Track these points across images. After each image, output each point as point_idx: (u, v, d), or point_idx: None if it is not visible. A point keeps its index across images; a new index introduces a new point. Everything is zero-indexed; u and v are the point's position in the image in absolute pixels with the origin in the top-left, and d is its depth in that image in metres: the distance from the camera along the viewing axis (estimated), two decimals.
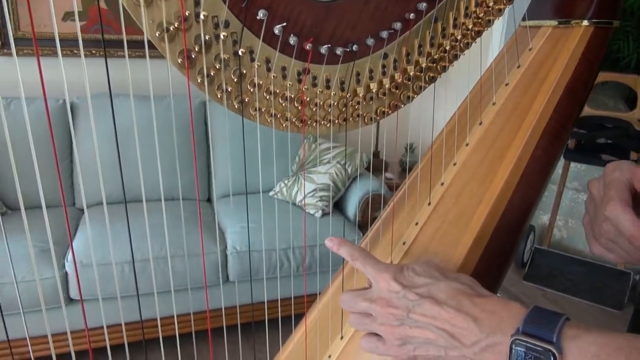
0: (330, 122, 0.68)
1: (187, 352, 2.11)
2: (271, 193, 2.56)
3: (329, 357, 0.69)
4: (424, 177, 0.75)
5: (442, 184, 0.73)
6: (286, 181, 2.46)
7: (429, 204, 0.71)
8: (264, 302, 2.20)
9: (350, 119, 0.71)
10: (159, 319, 2.13)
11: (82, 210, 2.38)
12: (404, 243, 0.68)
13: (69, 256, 1.88)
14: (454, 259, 0.59)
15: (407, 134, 3.32)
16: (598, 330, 0.40)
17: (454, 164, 0.73)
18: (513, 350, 0.41)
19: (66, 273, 1.86)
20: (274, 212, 2.31)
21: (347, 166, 2.36)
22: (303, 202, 2.34)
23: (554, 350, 0.39)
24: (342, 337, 0.67)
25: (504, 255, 0.65)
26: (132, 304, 1.98)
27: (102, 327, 1.99)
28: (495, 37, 2.62)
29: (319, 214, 2.30)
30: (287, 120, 0.67)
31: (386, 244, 0.70)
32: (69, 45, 2.48)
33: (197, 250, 2.02)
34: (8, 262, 1.76)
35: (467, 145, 0.75)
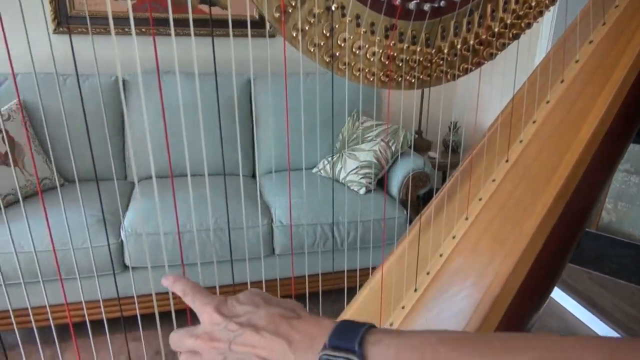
0: (415, 78, 0.68)
1: None
2: (314, 170, 2.58)
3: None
4: (503, 133, 0.72)
5: (521, 141, 0.70)
6: (329, 158, 2.48)
7: (507, 160, 0.70)
8: (305, 276, 2.25)
9: (434, 75, 0.70)
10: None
11: (133, 183, 2.48)
12: (480, 199, 0.68)
13: (124, 225, 1.97)
14: (532, 217, 0.59)
15: (451, 112, 3.26)
16: (399, 332, 0.41)
17: (534, 122, 0.71)
18: None
19: (121, 241, 1.96)
20: (318, 189, 2.34)
21: (391, 144, 2.35)
22: (346, 179, 2.35)
23: (355, 358, 0.39)
24: (403, 307, 0.69)
25: (581, 217, 0.64)
26: (177, 273, 2.06)
27: (150, 295, 2.09)
28: (545, 26, 2.51)
29: (362, 191, 2.31)
30: (373, 75, 0.67)
31: (462, 198, 0.70)
32: (121, 23, 2.55)
33: (243, 223, 2.07)
34: (66, 230, 1.86)
35: (547, 102, 0.72)
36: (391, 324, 0.69)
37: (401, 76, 0.67)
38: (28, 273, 1.84)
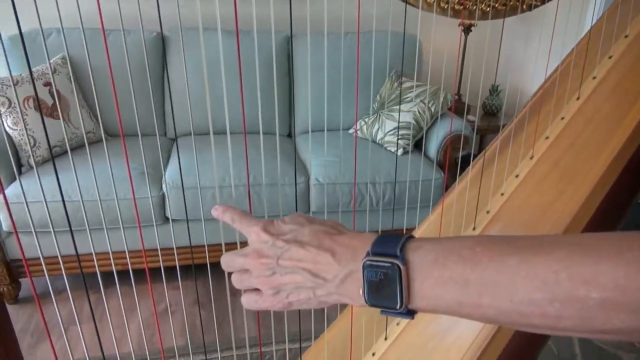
0: (490, 7, 0.65)
1: None
2: (351, 130, 2.57)
3: None
4: (576, 70, 0.70)
5: (594, 77, 0.68)
6: (367, 119, 2.46)
7: (578, 98, 0.68)
8: None
9: (510, 3, 0.67)
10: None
11: (172, 139, 2.52)
12: (547, 137, 0.67)
13: (165, 179, 2.02)
14: (604, 156, 0.58)
15: (492, 75, 3.17)
16: (438, 239, 0.43)
17: (610, 57, 0.68)
18: (365, 273, 0.43)
19: (162, 194, 2.01)
20: (355, 149, 2.34)
21: (430, 105, 2.31)
22: (383, 140, 2.34)
23: (398, 263, 0.41)
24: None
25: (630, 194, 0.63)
26: (214, 227, 2.11)
27: (188, 247, 2.15)
28: None
29: (399, 152, 2.29)
30: (447, 4, 0.65)
31: (528, 137, 0.69)
32: None
33: (280, 181, 2.10)
34: (110, 182, 1.92)
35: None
36: None
37: (475, 4, 0.65)
38: (75, 222, 1.92)
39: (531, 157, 0.66)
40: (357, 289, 0.44)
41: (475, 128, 2.67)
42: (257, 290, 0.52)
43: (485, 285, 0.38)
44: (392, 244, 0.43)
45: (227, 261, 0.53)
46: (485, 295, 0.38)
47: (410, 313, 0.43)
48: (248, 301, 0.53)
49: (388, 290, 0.42)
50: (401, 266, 0.41)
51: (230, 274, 0.54)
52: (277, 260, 0.48)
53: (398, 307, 0.42)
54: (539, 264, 0.36)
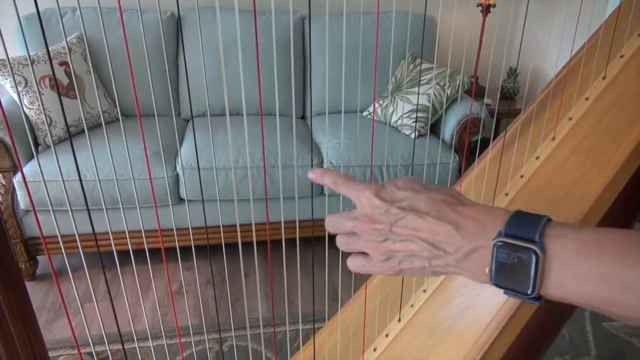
0: None
1: (275, 258, 2.25)
2: (365, 113, 2.55)
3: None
4: (602, 49, 0.68)
5: (622, 56, 0.66)
6: (382, 101, 2.44)
7: (604, 78, 0.66)
8: None
9: None
10: (253, 225, 2.27)
11: (186, 120, 2.53)
12: (570, 118, 0.66)
13: (180, 159, 2.03)
14: (630, 137, 0.57)
15: (510, 57, 3.12)
16: (579, 227, 0.40)
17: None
18: (495, 253, 0.41)
19: (177, 175, 2.02)
20: (369, 131, 2.32)
21: (446, 88, 2.28)
22: (398, 122, 2.31)
23: (536, 249, 0.39)
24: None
25: None
26: (229, 208, 2.12)
27: (203, 227, 2.17)
28: None
29: (414, 134, 2.27)
30: None
31: (550, 118, 0.68)
32: None
33: (294, 162, 2.09)
34: (125, 161, 1.93)
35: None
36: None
37: None
38: (90, 200, 1.94)
39: (553, 139, 0.65)
40: (482, 267, 0.43)
41: (494, 111, 2.63)
42: (364, 254, 0.51)
43: (632, 287, 0.36)
44: (530, 228, 0.40)
45: (334, 223, 0.51)
46: (630, 296, 0.36)
47: (539, 299, 0.41)
48: (355, 265, 0.52)
49: (520, 275, 0.40)
50: (540, 253, 0.39)
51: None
52: (391, 227, 0.47)
53: (529, 292, 0.40)
54: None
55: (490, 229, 0.42)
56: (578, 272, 0.38)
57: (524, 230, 0.40)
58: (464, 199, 0.48)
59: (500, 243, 0.41)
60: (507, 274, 0.41)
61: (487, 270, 0.42)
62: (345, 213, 0.51)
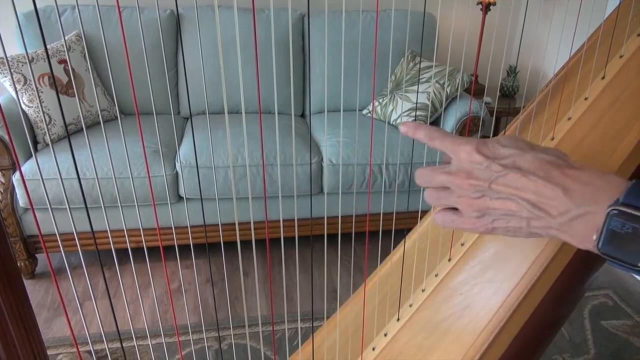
0: None
1: (274, 257, 2.25)
2: (365, 111, 2.55)
3: (436, 275, 0.71)
4: (602, 48, 0.68)
5: (621, 56, 0.66)
6: (381, 99, 2.43)
7: (586, 98, 0.67)
8: (352, 216, 2.27)
9: None
10: (252, 223, 2.27)
11: (186, 118, 2.52)
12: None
13: (179, 158, 2.03)
14: (629, 136, 0.57)
15: (510, 55, 3.11)
16: None
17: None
18: (608, 221, 0.39)
19: (176, 173, 2.02)
20: (368, 130, 2.32)
21: (445, 86, 2.28)
22: (397, 121, 2.31)
23: None
24: (449, 259, 0.70)
25: None
26: (228, 206, 2.12)
27: (202, 226, 2.17)
28: None
29: None
30: None
31: (550, 117, 0.67)
32: None
33: (293, 161, 2.09)
34: (124, 160, 1.93)
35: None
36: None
37: None
38: (89, 199, 1.94)
39: (552, 139, 0.65)
40: (589, 233, 0.41)
41: (494, 110, 2.64)
42: (454, 209, 0.49)
43: None
44: None
45: (426, 176, 0.50)
46: None
47: None
48: (444, 219, 0.50)
49: (632, 246, 0.38)
50: None
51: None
52: (490, 184, 0.45)
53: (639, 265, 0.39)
54: None
55: (605, 196, 0.40)
56: None
57: None
58: (572, 161, 0.45)
59: (616, 211, 0.39)
60: (617, 243, 0.39)
61: (594, 237, 0.40)
62: (439, 166, 0.49)
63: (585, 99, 0.66)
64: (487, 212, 0.46)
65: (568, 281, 0.65)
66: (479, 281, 0.68)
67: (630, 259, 0.39)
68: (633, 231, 0.38)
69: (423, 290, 0.75)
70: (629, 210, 0.38)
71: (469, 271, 0.69)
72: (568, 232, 0.42)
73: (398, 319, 0.75)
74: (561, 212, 0.42)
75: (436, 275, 0.73)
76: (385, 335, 0.75)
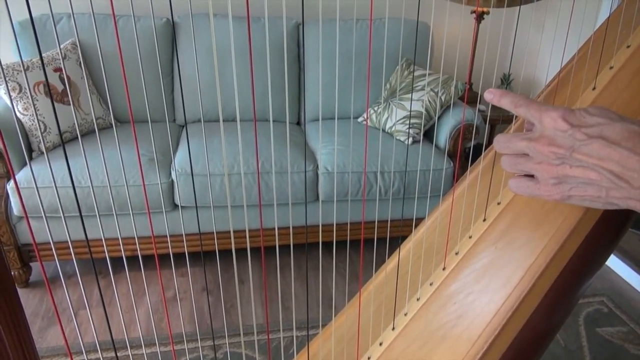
0: None
1: (270, 264, 2.24)
2: (360, 119, 2.56)
3: (431, 284, 0.71)
4: (592, 58, 0.69)
5: (611, 67, 0.67)
6: (376, 107, 2.45)
7: (594, 88, 0.67)
8: (347, 223, 2.27)
9: None
10: (247, 231, 2.27)
11: (182, 126, 2.53)
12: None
13: (174, 166, 2.03)
14: None
15: (504, 64, 3.14)
16: None
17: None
18: None
19: (172, 181, 2.02)
20: (363, 137, 2.33)
21: (440, 94, 2.29)
22: (392, 129, 2.32)
23: None
24: (444, 268, 0.70)
25: None
26: (223, 214, 2.12)
27: (197, 234, 2.17)
28: None
29: (409, 141, 2.28)
30: None
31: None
32: None
33: (289, 169, 2.09)
34: (119, 168, 1.93)
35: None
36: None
37: None
38: (84, 207, 1.93)
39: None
40: None
41: (487, 118, 2.65)
42: (531, 176, 0.49)
43: None
44: None
45: (505, 141, 0.49)
46: None
47: None
48: (519, 185, 0.50)
49: None
50: None
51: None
52: (572, 151, 0.44)
53: None
54: None
55: None
56: None
57: None
58: None
59: None
60: None
61: None
62: (519, 133, 0.48)
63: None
64: (565, 179, 0.46)
65: (562, 289, 0.66)
66: (473, 290, 0.68)
67: None
68: None
69: (418, 299, 0.75)
70: None
71: (463, 280, 0.70)
72: None
73: (393, 328, 0.75)
74: None
75: (431, 284, 0.73)
76: (381, 344, 0.75)
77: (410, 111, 2.29)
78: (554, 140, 0.45)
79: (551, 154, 0.45)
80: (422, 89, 2.33)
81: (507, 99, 0.50)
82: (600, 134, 0.43)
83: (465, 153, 2.36)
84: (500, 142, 0.50)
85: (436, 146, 2.35)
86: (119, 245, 2.07)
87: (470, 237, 0.73)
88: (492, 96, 0.52)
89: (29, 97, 2.04)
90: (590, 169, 0.44)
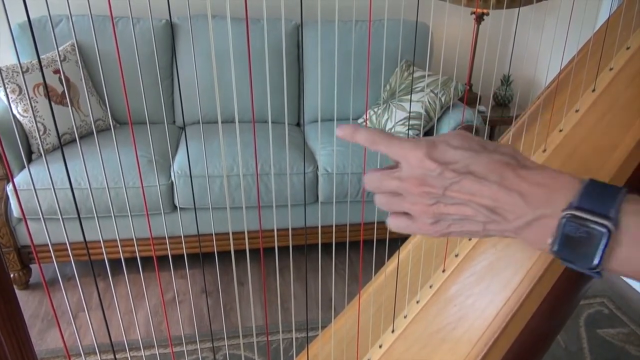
0: None
1: (269, 266, 2.24)
2: (360, 120, 2.56)
3: (430, 286, 0.71)
4: (592, 60, 0.68)
5: (611, 69, 0.67)
6: (376, 109, 2.44)
7: (577, 110, 0.67)
8: (346, 225, 2.27)
9: None
10: (246, 233, 2.26)
11: (181, 128, 2.52)
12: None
13: (174, 168, 2.02)
14: (621, 146, 0.57)
15: (504, 65, 3.14)
16: None
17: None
18: (563, 225, 0.38)
19: (171, 183, 2.01)
20: None
21: (440, 95, 2.29)
22: (392, 130, 2.32)
23: (610, 225, 0.36)
24: (444, 270, 0.70)
25: None
26: (222, 216, 2.11)
27: (196, 236, 2.16)
28: None
29: None
30: None
31: (542, 127, 0.67)
32: None
33: (288, 170, 2.09)
34: (118, 170, 1.92)
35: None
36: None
37: None
38: (83, 209, 1.93)
39: (544, 150, 0.66)
40: (544, 237, 0.40)
41: (487, 119, 2.65)
42: (408, 215, 0.47)
43: None
44: (605, 201, 0.37)
45: (376, 182, 0.47)
46: None
47: (600, 272, 0.39)
48: (398, 225, 0.47)
49: (586, 249, 0.38)
50: (613, 230, 0.36)
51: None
52: (444, 190, 0.43)
53: (592, 266, 0.38)
54: None
55: (560, 198, 0.39)
56: None
57: (600, 205, 0.37)
58: (525, 159, 0.44)
59: (569, 216, 0.38)
60: (571, 247, 0.38)
61: (549, 241, 0.40)
62: (389, 172, 0.46)
63: (577, 111, 0.66)
64: (442, 217, 0.45)
65: (562, 292, 0.65)
66: (473, 292, 0.68)
67: (584, 262, 0.39)
68: (587, 235, 0.37)
69: (418, 302, 0.75)
70: (583, 215, 0.37)
71: (463, 282, 0.69)
72: (522, 236, 0.42)
73: (393, 331, 0.75)
74: (517, 217, 0.41)
75: (430, 287, 0.73)
76: (380, 346, 0.75)
77: (410, 112, 2.29)
78: (424, 181, 0.44)
79: (424, 194, 0.44)
80: (422, 90, 2.33)
81: (362, 135, 0.48)
82: (468, 170, 0.43)
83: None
84: (370, 182, 0.48)
85: None
86: (118, 247, 2.07)
87: (470, 239, 0.72)
88: (344, 133, 0.49)
89: (28, 99, 2.04)
90: (464, 206, 0.43)
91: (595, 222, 0.37)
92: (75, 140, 2.15)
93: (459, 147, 0.44)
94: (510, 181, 0.41)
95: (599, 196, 0.38)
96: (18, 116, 2.01)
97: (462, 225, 0.44)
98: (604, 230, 0.37)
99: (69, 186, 1.89)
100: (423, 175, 0.44)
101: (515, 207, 0.41)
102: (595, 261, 0.38)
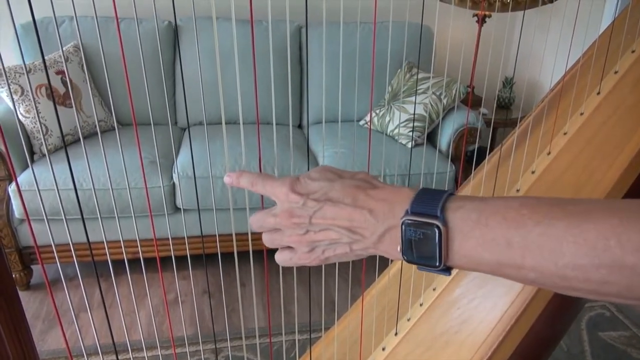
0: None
1: (272, 268, 2.24)
2: (362, 122, 2.56)
3: (434, 289, 0.71)
4: (597, 63, 0.68)
5: (616, 72, 0.67)
6: (378, 111, 2.44)
7: (582, 113, 0.67)
8: None
9: None
10: (249, 234, 2.26)
11: (184, 128, 2.53)
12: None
13: (176, 169, 2.02)
14: (625, 152, 0.57)
15: (506, 67, 3.13)
16: (481, 198, 0.42)
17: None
18: (404, 231, 0.42)
19: (173, 184, 2.01)
20: (365, 140, 2.32)
21: (442, 97, 2.29)
22: (395, 132, 2.32)
23: (438, 223, 0.40)
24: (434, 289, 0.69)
25: None
26: (225, 217, 2.11)
27: (199, 236, 2.16)
28: None
29: (411, 144, 2.28)
30: None
31: (546, 132, 0.68)
32: None
33: (291, 172, 2.09)
34: (121, 170, 1.92)
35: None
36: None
37: None
38: (86, 210, 1.93)
39: (548, 153, 0.65)
40: (394, 246, 0.44)
41: (491, 121, 2.64)
42: (290, 247, 0.51)
43: (529, 248, 0.37)
44: (432, 204, 0.42)
45: (258, 221, 0.52)
46: (528, 258, 0.37)
47: (448, 270, 0.43)
48: (282, 259, 0.52)
49: (427, 249, 0.42)
50: (441, 227, 0.41)
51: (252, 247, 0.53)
52: (310, 219, 0.47)
53: (437, 265, 0.42)
54: (588, 230, 0.35)
55: (399, 209, 0.44)
56: (478, 241, 0.39)
57: (428, 207, 0.42)
58: (377, 182, 0.49)
59: (408, 221, 0.42)
60: (416, 250, 0.43)
61: (398, 249, 0.44)
62: (267, 211, 0.51)
63: (581, 114, 0.66)
64: (315, 245, 0.49)
65: (566, 295, 0.65)
66: (476, 295, 0.67)
67: (430, 262, 0.42)
68: (424, 236, 0.42)
69: (421, 305, 0.75)
70: (416, 218, 0.42)
71: (467, 285, 0.69)
72: (380, 249, 0.46)
73: (396, 333, 0.75)
74: (372, 232, 0.45)
75: (434, 289, 0.73)
76: (384, 349, 0.75)
77: (414, 114, 2.29)
78: (293, 213, 0.48)
79: (294, 225, 0.48)
80: (425, 92, 2.33)
81: (245, 180, 0.53)
82: (327, 197, 0.47)
83: (468, 156, 2.36)
84: (254, 223, 0.52)
85: (439, 149, 2.34)
86: (121, 247, 2.06)
87: None
88: (231, 179, 0.54)
89: (31, 100, 2.04)
90: (329, 230, 0.47)
91: (427, 224, 0.41)
92: (76, 141, 2.15)
93: (317, 178, 0.49)
94: (361, 201, 0.46)
95: (428, 200, 0.43)
96: (20, 117, 2.01)
97: (335, 249, 0.48)
98: (435, 229, 0.41)
99: (71, 187, 1.89)
100: (290, 207, 0.48)
101: (368, 224, 0.45)
102: (437, 259, 0.42)
